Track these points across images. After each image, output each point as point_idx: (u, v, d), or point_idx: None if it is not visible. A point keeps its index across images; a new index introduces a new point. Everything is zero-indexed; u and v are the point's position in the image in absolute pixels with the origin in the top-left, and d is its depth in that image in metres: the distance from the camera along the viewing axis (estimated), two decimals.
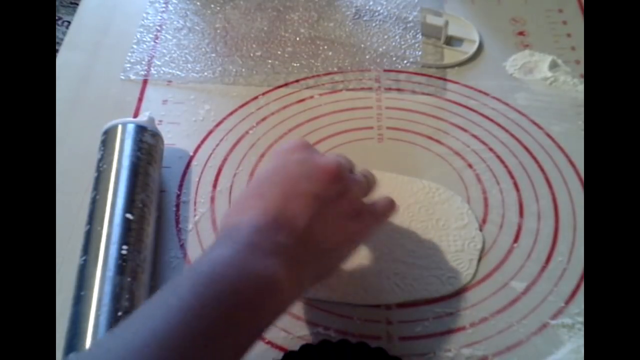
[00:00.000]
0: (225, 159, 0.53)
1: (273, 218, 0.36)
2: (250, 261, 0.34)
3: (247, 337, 0.33)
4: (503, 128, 0.55)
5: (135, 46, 0.62)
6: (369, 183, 0.43)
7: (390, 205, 0.43)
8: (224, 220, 0.38)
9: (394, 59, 0.60)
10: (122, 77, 0.59)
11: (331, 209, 0.38)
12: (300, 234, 0.36)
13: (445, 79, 0.59)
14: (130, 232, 0.42)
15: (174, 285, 0.33)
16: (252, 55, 0.61)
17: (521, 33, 0.64)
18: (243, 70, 0.59)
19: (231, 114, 0.56)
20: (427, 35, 0.62)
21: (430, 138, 0.54)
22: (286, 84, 0.59)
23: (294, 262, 0.35)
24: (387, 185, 0.50)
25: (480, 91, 0.58)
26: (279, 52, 0.61)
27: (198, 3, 0.66)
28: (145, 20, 0.64)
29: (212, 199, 0.50)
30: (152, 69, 0.60)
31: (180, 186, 0.51)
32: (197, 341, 0.30)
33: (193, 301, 0.31)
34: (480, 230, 0.48)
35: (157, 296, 0.32)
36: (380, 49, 0.61)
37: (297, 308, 0.44)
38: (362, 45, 0.61)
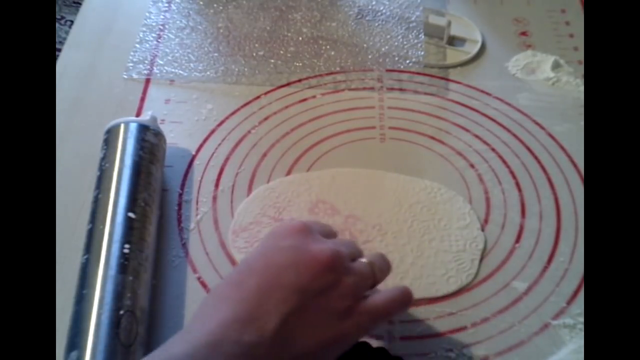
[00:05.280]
0: (227, 158, 0.53)
1: (242, 313, 0.32)
2: None
3: None
4: (505, 128, 0.55)
5: (138, 45, 0.62)
6: (376, 272, 0.37)
7: (396, 300, 0.36)
8: (197, 309, 0.34)
9: (396, 58, 0.60)
10: (125, 76, 0.59)
11: (315, 305, 0.33)
12: (271, 333, 0.31)
13: (447, 79, 0.59)
14: (132, 231, 0.42)
15: None
16: (254, 54, 0.61)
17: (524, 33, 0.64)
18: (245, 69, 0.59)
19: (233, 113, 0.56)
20: (430, 35, 0.62)
21: (433, 138, 0.54)
22: (288, 84, 0.59)
23: None
24: (389, 185, 0.50)
25: (482, 91, 0.58)
26: (282, 52, 0.61)
27: (201, 2, 0.66)
28: (148, 20, 0.64)
29: (214, 198, 0.50)
30: (154, 68, 0.60)
31: (183, 185, 0.51)
32: None
33: None
34: (482, 230, 0.48)
35: None
36: (383, 49, 0.61)
37: None
38: (365, 45, 0.61)
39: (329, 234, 0.40)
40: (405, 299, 0.37)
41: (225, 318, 0.32)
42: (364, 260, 0.37)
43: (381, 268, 0.38)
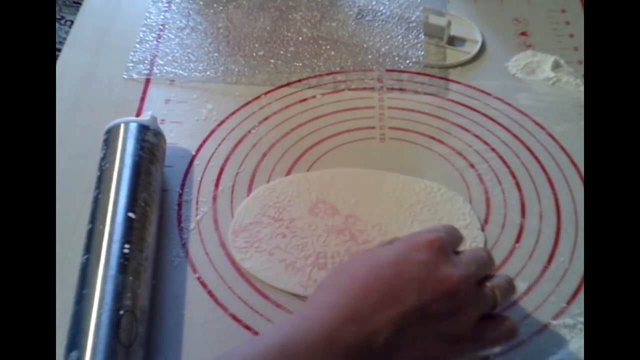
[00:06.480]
0: (227, 158, 0.53)
1: (360, 315, 0.33)
2: (309, 358, 0.31)
3: None
4: (505, 128, 0.55)
5: (138, 45, 0.62)
6: (498, 297, 0.37)
7: (505, 336, 0.37)
8: (318, 286, 0.36)
9: (396, 58, 0.60)
10: (125, 76, 0.59)
11: (429, 327, 0.33)
12: (380, 345, 0.32)
13: (447, 79, 0.59)
14: (132, 231, 0.42)
15: None
16: (254, 54, 0.61)
17: (524, 33, 0.64)
18: (245, 69, 0.59)
19: (233, 113, 0.56)
20: (430, 35, 0.62)
21: (433, 138, 0.54)
22: (288, 84, 0.59)
23: None
24: (389, 185, 0.50)
25: (482, 91, 0.58)
26: (282, 52, 0.61)
27: (201, 2, 0.66)
28: (148, 20, 0.64)
29: (214, 198, 0.50)
30: (154, 68, 0.60)
31: (183, 185, 0.51)
32: None
33: None
34: (482, 230, 0.48)
35: None
36: (383, 49, 0.61)
37: (300, 306, 0.44)
38: (365, 45, 0.61)
39: (458, 241, 0.40)
40: (512, 335, 0.37)
41: (345, 313, 0.33)
42: (489, 285, 0.37)
43: (505, 293, 0.37)
